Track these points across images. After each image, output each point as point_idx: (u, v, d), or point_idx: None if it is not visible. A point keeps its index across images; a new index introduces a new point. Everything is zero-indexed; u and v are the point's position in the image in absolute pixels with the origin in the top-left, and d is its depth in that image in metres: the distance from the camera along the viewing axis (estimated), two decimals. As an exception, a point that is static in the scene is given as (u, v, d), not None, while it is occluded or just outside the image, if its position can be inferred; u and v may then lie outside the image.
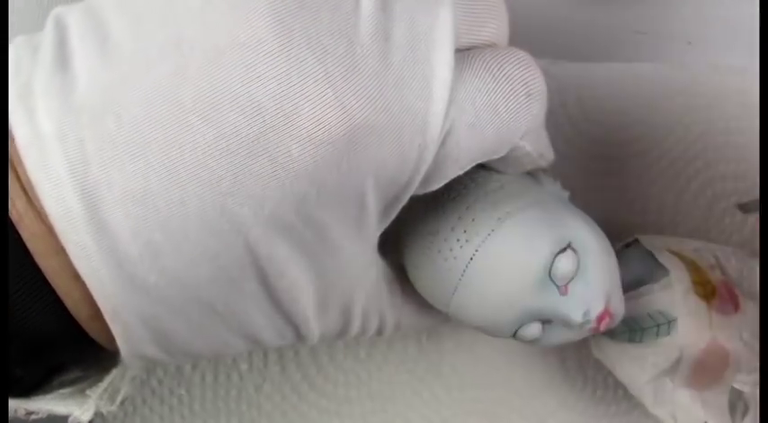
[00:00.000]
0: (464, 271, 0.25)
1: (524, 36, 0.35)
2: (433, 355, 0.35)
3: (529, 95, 0.23)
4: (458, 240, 0.25)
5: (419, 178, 0.22)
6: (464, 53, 0.22)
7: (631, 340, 0.29)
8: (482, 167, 0.26)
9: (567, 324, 0.25)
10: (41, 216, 0.19)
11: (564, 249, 0.25)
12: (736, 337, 0.28)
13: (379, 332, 0.26)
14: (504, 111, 0.22)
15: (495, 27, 0.23)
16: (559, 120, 0.35)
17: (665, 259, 0.29)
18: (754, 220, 0.35)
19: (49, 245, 0.20)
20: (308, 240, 0.21)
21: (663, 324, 0.28)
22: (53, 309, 0.20)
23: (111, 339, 0.21)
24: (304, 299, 0.22)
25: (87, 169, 0.19)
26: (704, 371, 0.29)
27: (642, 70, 0.35)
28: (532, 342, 0.26)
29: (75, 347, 0.22)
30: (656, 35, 0.36)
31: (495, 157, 0.24)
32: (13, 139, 0.19)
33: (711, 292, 0.28)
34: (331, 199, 0.20)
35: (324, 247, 0.21)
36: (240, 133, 0.19)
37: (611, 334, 0.30)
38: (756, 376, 0.26)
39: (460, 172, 0.23)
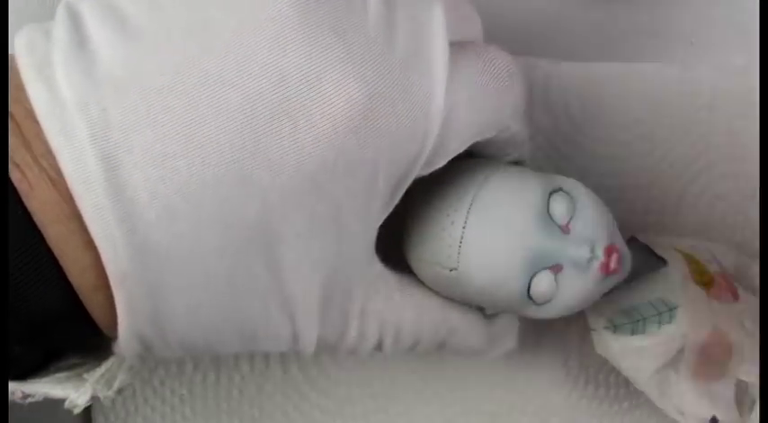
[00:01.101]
0: (466, 218, 0.25)
1: (526, 36, 0.35)
2: (435, 355, 0.35)
3: (511, 76, 0.26)
4: (456, 194, 0.26)
5: (426, 153, 0.23)
6: (454, 45, 0.24)
7: (634, 332, 0.29)
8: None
9: (576, 264, 0.25)
10: (55, 183, 0.20)
11: (556, 190, 0.26)
12: (738, 325, 0.28)
13: (379, 343, 0.26)
14: (493, 89, 0.25)
15: (475, 31, 0.27)
16: (560, 120, 0.35)
17: (662, 251, 0.29)
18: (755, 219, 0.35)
19: (60, 211, 0.20)
20: (318, 215, 0.22)
21: (664, 312, 0.28)
22: (56, 282, 0.20)
23: (112, 316, 0.21)
24: (305, 282, 0.22)
25: (108, 133, 0.20)
26: (708, 361, 0.29)
27: (643, 70, 0.35)
28: (549, 305, 0.26)
29: (75, 329, 0.22)
30: (658, 35, 0.36)
31: (489, 135, 0.26)
32: (28, 115, 0.20)
33: (709, 281, 0.28)
34: (347, 168, 0.22)
35: (332, 224, 0.22)
36: (264, 98, 0.20)
37: (613, 328, 0.30)
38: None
39: (461, 149, 0.25)
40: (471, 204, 0.25)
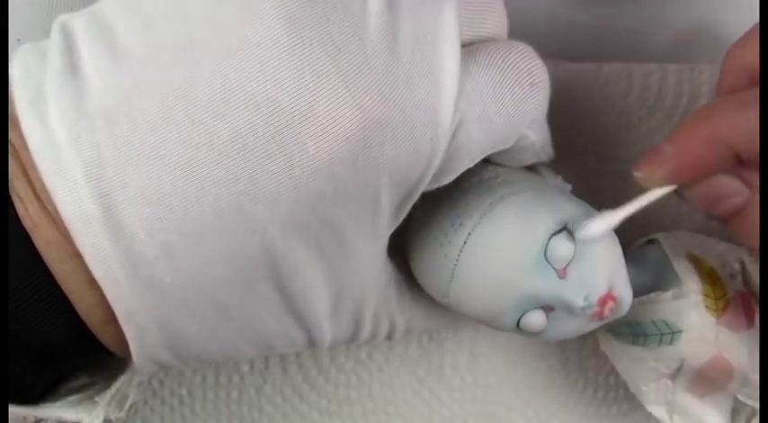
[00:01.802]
0: (459, 256, 0.24)
1: (525, 37, 0.35)
2: (434, 357, 0.35)
3: (533, 85, 0.24)
4: (452, 225, 0.25)
5: (431, 172, 0.22)
6: (468, 48, 0.23)
7: (634, 343, 0.29)
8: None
9: (569, 310, 0.24)
10: (56, 222, 0.20)
11: (559, 231, 0.24)
12: (744, 353, 0.27)
13: (389, 337, 0.26)
14: (510, 101, 0.23)
15: (496, 22, 0.24)
16: (559, 121, 0.35)
17: (681, 268, 0.28)
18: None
19: (63, 250, 0.20)
20: (323, 240, 0.21)
21: (666, 334, 0.28)
22: (65, 316, 0.20)
23: (123, 344, 0.21)
24: (317, 301, 0.22)
25: (102, 172, 0.19)
26: (706, 381, 0.28)
27: (643, 71, 0.35)
28: (538, 335, 0.25)
29: (85, 354, 0.22)
30: (657, 35, 0.36)
31: (504, 147, 0.24)
32: (25, 146, 0.20)
33: (724, 306, 0.28)
34: (346, 197, 0.21)
35: (338, 247, 0.22)
36: (256, 132, 0.19)
37: (614, 333, 0.29)
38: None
39: (471, 164, 0.23)
40: (466, 241, 0.25)
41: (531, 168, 0.28)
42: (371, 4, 0.21)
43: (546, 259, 0.24)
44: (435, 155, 0.22)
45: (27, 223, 0.20)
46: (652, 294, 0.28)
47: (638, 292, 0.27)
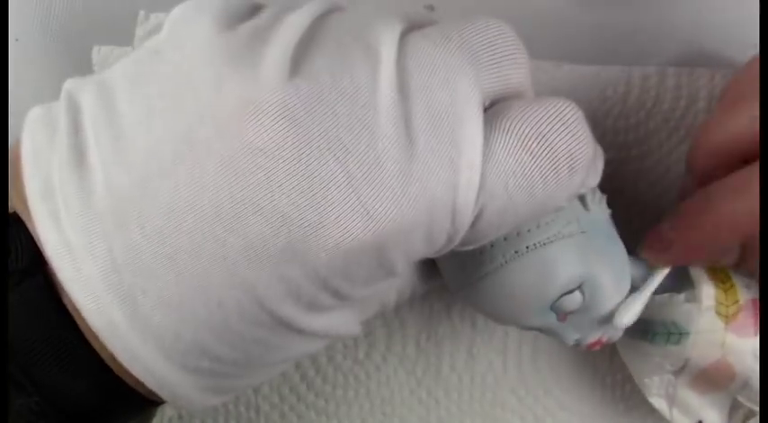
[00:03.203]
0: (478, 282, 0.26)
1: (526, 37, 0.35)
2: (432, 356, 0.35)
3: (572, 169, 0.21)
4: (476, 260, 0.26)
5: (447, 250, 0.22)
6: (491, 113, 0.21)
7: (642, 339, 0.29)
8: None
9: (562, 340, 0.27)
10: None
11: (572, 291, 0.26)
12: (748, 359, 0.27)
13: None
14: (541, 191, 0.20)
15: (520, 74, 0.21)
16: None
17: (696, 273, 0.29)
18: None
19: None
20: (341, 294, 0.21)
21: (674, 334, 0.28)
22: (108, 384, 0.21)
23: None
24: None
25: (120, 278, 0.19)
26: (708, 381, 0.29)
27: (642, 74, 0.35)
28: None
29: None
30: (658, 37, 0.36)
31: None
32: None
33: (735, 312, 0.28)
34: (360, 278, 0.21)
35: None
36: (267, 243, 0.19)
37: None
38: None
39: (492, 238, 0.22)
40: (485, 278, 0.26)
41: None
42: (381, 91, 0.19)
43: (551, 308, 0.26)
44: (452, 242, 0.21)
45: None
46: (666, 295, 0.29)
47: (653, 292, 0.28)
